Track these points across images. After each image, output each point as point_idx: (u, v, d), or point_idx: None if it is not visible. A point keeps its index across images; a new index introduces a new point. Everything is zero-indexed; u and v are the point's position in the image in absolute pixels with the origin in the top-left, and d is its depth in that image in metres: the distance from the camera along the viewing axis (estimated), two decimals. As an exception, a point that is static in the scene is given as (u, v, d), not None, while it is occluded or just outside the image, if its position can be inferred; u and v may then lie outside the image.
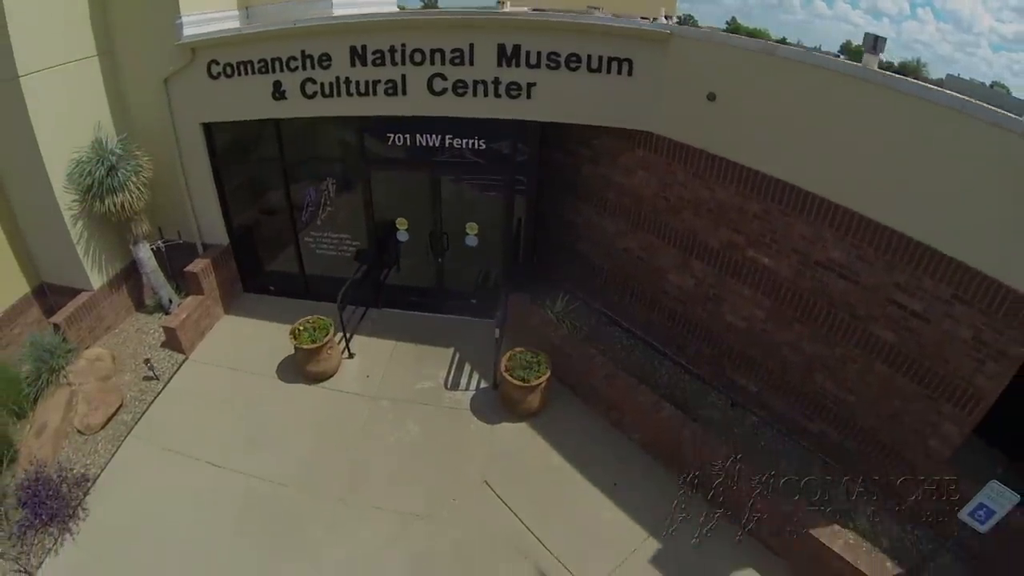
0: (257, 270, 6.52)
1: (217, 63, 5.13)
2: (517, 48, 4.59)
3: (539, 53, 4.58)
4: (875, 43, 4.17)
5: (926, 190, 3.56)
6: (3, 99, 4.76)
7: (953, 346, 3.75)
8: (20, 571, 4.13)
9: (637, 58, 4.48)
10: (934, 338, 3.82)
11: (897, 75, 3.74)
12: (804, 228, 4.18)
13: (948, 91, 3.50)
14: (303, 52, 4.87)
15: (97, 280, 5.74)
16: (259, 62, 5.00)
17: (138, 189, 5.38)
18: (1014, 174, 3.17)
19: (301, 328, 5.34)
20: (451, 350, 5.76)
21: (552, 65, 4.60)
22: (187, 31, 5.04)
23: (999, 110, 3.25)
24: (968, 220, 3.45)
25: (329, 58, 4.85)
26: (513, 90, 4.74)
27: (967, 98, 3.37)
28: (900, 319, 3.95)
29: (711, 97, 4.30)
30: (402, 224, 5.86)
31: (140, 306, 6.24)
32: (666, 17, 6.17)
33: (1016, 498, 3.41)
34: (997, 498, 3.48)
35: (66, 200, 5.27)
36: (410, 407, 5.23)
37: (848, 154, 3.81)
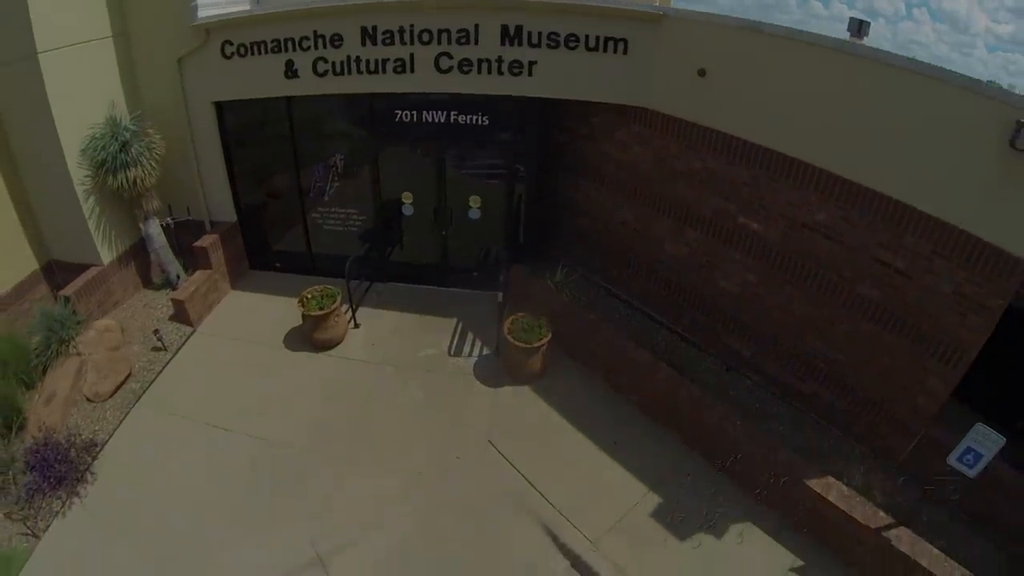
0: (264, 247, 6.66)
1: (231, 43, 5.35)
2: (519, 28, 4.85)
3: (540, 33, 4.84)
4: (859, 27, 4.44)
5: (904, 152, 3.80)
6: (22, 75, 4.93)
7: (936, 301, 3.94)
8: (28, 533, 4.17)
9: (632, 37, 4.75)
10: (917, 294, 4.02)
11: (875, 48, 4.02)
12: (790, 193, 4.42)
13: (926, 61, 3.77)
14: (315, 32, 5.11)
15: (107, 255, 5.86)
16: (272, 42, 5.22)
17: (150, 165, 5.54)
18: (987, 135, 3.40)
19: (309, 296, 5.49)
20: (454, 320, 5.92)
21: (552, 44, 4.87)
22: (201, 12, 5.26)
23: (974, 78, 3.52)
24: (945, 179, 3.68)
25: (340, 38, 5.09)
26: (515, 68, 4.99)
27: (945, 69, 3.63)
28: (884, 277, 4.16)
29: (701, 73, 4.57)
30: (408, 198, 6.06)
31: (147, 283, 6.35)
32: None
33: (1002, 440, 3.52)
34: (983, 441, 3.60)
35: (79, 175, 5.42)
36: (415, 373, 5.36)
37: (830, 121, 4.06)
